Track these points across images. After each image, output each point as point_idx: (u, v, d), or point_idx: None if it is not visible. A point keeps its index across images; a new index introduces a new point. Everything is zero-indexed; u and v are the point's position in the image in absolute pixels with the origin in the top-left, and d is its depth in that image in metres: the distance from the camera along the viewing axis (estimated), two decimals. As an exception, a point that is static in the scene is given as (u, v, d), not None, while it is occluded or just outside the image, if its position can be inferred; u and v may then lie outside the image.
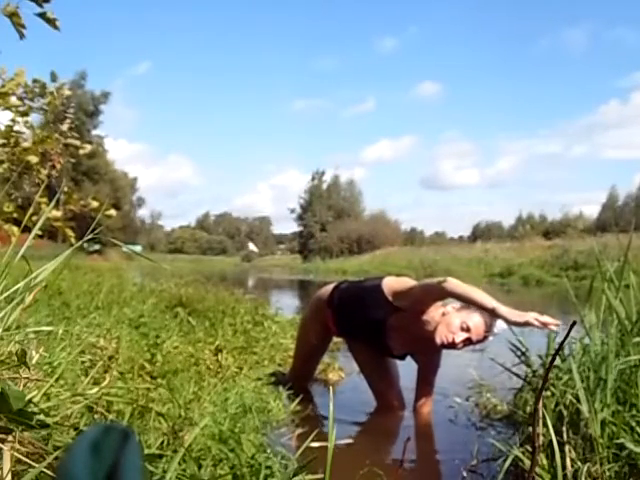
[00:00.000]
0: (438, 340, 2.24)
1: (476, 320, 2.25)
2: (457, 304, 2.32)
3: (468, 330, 2.21)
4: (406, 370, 2.59)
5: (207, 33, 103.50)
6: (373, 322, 2.41)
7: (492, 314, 2.11)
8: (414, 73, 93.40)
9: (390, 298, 2.35)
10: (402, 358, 2.55)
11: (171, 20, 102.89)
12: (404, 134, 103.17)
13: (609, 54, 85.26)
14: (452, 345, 2.24)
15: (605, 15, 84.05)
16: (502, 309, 2.07)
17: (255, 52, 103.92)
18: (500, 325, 2.22)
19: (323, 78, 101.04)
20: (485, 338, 2.25)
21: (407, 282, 2.40)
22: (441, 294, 2.22)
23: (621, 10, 75.56)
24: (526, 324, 2.00)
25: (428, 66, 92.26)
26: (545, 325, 1.98)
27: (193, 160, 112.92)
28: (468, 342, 2.24)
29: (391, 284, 2.40)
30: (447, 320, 2.24)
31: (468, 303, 2.19)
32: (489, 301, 2.11)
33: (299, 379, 2.69)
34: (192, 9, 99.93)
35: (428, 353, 2.43)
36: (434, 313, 2.29)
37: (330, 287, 2.63)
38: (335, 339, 2.78)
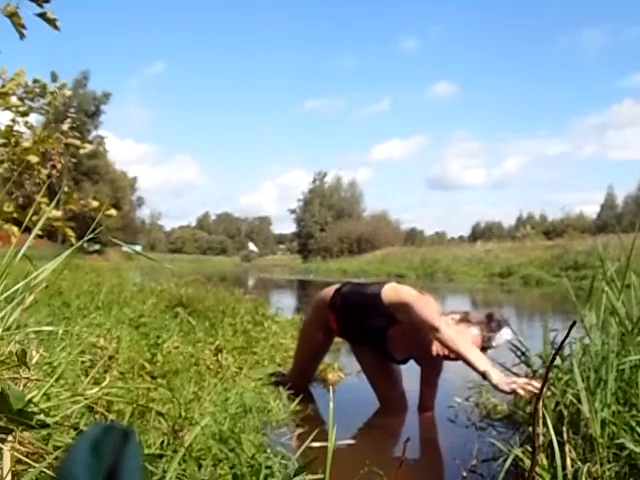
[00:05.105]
0: (434, 351, 2.29)
1: (474, 334, 2.26)
2: (457, 315, 2.34)
3: None
4: (409, 372, 2.59)
5: (220, 33, 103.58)
6: (374, 330, 2.42)
7: (482, 377, 2.05)
8: (431, 73, 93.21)
9: (389, 308, 2.35)
10: (404, 362, 2.57)
11: (185, 20, 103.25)
12: (415, 134, 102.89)
13: (625, 53, 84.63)
14: (446, 357, 2.27)
15: (624, 15, 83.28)
16: (492, 376, 1.99)
17: (270, 53, 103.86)
18: (501, 338, 2.21)
19: (339, 78, 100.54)
20: (483, 350, 2.25)
21: (405, 295, 2.33)
22: (433, 333, 2.18)
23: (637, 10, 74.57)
24: (513, 392, 1.93)
25: (446, 66, 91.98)
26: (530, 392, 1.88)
27: (199, 160, 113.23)
28: None
29: (389, 295, 2.36)
30: None
31: (459, 358, 2.14)
32: (482, 363, 2.05)
33: (300, 379, 2.69)
34: (207, 9, 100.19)
35: (429, 357, 2.43)
36: None
37: (332, 289, 2.62)
38: (336, 339, 2.78)
